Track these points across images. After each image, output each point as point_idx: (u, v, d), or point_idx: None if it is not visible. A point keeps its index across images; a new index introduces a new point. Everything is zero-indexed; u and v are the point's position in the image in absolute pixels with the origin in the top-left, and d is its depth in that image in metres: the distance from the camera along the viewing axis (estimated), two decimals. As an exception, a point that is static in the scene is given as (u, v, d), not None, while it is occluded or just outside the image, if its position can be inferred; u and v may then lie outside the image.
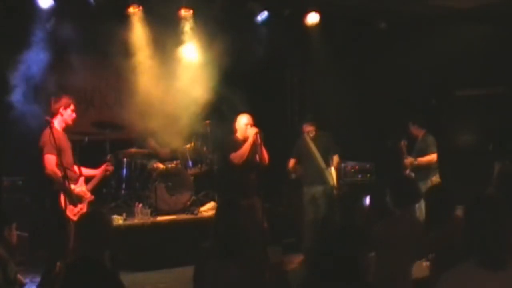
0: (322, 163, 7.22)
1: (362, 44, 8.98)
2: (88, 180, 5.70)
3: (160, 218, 7.34)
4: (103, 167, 5.73)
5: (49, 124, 5.27)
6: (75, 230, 4.00)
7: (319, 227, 7.07)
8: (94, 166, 6.04)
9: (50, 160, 5.17)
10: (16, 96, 6.60)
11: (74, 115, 5.44)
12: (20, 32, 7.14)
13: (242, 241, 3.51)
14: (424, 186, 7.20)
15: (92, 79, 7.96)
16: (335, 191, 7.23)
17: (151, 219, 7.17)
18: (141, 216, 7.11)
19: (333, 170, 7.27)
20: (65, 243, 5.16)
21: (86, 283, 3.12)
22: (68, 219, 5.20)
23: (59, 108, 5.34)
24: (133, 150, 8.05)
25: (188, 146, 8.21)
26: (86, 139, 7.59)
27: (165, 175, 7.74)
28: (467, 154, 8.31)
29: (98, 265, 3.18)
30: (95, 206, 7.73)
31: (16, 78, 6.77)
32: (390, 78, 8.85)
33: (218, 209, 3.93)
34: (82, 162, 5.89)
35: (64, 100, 5.38)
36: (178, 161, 8.08)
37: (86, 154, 6.42)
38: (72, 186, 5.27)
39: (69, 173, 5.30)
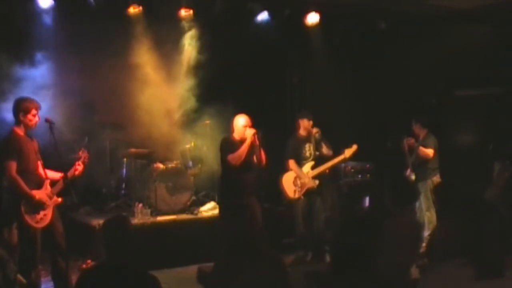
0: None
1: (362, 44, 8.98)
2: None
3: (160, 218, 7.33)
4: (71, 171, 5.39)
5: (49, 124, 5.26)
6: (100, 236, 3.89)
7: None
8: (94, 166, 6.01)
9: (10, 166, 5.07)
10: (16, 96, 6.58)
11: (35, 119, 5.22)
12: (20, 32, 7.14)
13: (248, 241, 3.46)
14: (424, 187, 7.25)
15: (92, 79, 7.95)
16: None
17: (151, 219, 7.17)
18: (141, 216, 7.10)
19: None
20: (31, 249, 5.13)
21: None
22: (29, 226, 5.11)
23: (18, 113, 5.19)
24: (133, 150, 8.04)
25: (188, 146, 8.21)
26: (86, 139, 7.60)
27: (165, 175, 7.73)
28: (467, 154, 8.31)
29: (126, 270, 3.14)
30: (95, 207, 7.84)
31: (16, 78, 6.76)
32: (390, 78, 8.84)
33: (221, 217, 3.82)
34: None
35: (24, 106, 5.19)
36: (178, 161, 8.08)
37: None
38: (34, 192, 5.17)
39: (32, 178, 5.21)
